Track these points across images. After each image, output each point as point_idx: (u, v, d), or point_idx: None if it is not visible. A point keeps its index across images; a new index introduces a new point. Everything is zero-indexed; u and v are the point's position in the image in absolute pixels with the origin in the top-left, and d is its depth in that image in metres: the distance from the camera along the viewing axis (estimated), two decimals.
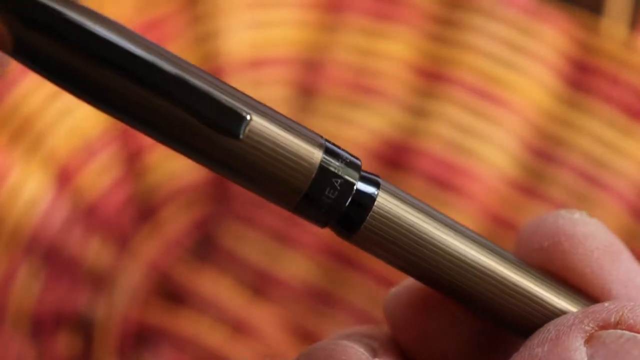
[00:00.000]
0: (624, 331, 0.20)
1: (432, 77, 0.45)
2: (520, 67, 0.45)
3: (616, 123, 0.44)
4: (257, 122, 0.19)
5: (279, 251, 0.43)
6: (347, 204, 0.20)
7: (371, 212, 0.20)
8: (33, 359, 0.40)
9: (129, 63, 0.19)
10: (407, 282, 0.24)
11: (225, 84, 0.20)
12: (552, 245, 0.23)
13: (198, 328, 0.41)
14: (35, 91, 0.42)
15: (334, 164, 0.20)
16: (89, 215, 0.42)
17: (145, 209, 0.43)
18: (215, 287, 0.42)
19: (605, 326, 0.21)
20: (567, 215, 0.23)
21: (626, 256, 0.23)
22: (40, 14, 0.19)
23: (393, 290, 0.24)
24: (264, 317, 0.42)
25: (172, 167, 0.44)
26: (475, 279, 0.21)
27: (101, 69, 0.19)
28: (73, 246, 0.42)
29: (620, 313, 0.21)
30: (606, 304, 0.21)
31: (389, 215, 0.21)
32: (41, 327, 0.41)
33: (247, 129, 0.19)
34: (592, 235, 0.23)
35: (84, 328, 0.41)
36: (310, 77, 0.45)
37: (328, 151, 0.20)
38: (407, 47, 0.46)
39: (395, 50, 0.45)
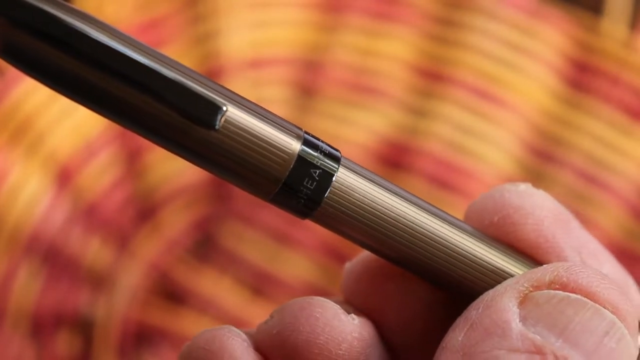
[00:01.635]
0: (557, 291, 0.20)
1: (432, 77, 0.45)
2: (521, 67, 0.45)
3: (616, 123, 0.44)
4: (234, 113, 0.20)
5: (279, 251, 0.43)
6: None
7: (330, 187, 0.21)
8: (33, 359, 0.40)
9: (105, 56, 0.19)
10: (361, 256, 0.24)
11: (200, 75, 0.20)
12: (502, 219, 0.22)
13: (198, 328, 0.41)
14: (35, 91, 0.42)
15: (313, 155, 0.20)
16: (89, 215, 0.42)
17: (145, 209, 0.43)
18: (215, 287, 0.42)
19: (539, 286, 0.20)
20: (512, 189, 0.23)
21: (575, 224, 0.23)
22: (27, 14, 0.19)
23: (348, 264, 0.24)
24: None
25: (172, 167, 0.44)
26: (430, 248, 0.21)
27: (76, 61, 0.19)
28: (73, 246, 0.42)
29: (555, 272, 0.20)
30: (544, 266, 0.21)
31: (348, 190, 0.21)
32: (41, 327, 0.41)
33: (223, 119, 0.20)
34: (540, 205, 0.22)
35: (84, 328, 0.41)
36: (310, 77, 0.45)
37: (307, 142, 0.20)
38: (407, 47, 0.46)
39: (395, 50, 0.45)
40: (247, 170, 0.20)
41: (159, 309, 0.42)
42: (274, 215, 0.43)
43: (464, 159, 0.44)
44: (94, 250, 0.42)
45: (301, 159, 0.20)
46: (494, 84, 0.45)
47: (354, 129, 0.44)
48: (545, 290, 0.20)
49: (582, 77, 0.45)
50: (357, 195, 0.21)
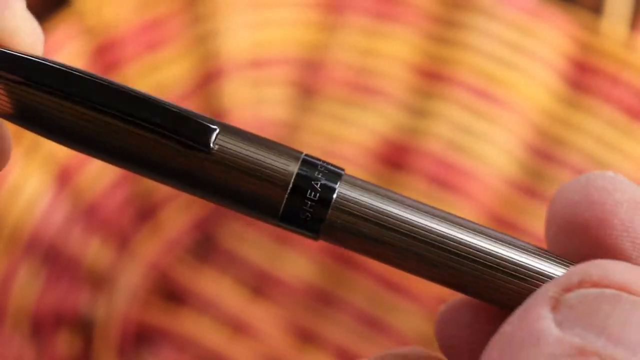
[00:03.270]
0: (590, 289, 0.19)
1: (432, 77, 0.45)
2: (521, 67, 0.45)
3: (616, 123, 0.44)
4: (226, 139, 0.20)
5: (279, 251, 0.43)
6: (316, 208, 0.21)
7: (333, 204, 0.21)
8: (33, 359, 0.40)
9: (94, 95, 0.20)
10: (455, 300, 0.24)
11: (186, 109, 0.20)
12: (583, 197, 0.22)
13: (198, 328, 0.41)
14: None
15: (311, 175, 0.21)
16: (89, 215, 0.42)
17: (145, 209, 0.43)
18: (215, 287, 0.42)
19: (569, 288, 0.19)
20: (598, 173, 0.22)
21: None
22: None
23: (442, 307, 0.24)
24: (264, 317, 0.42)
25: None
26: (453, 256, 0.21)
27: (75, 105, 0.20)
28: (73, 246, 0.42)
29: (584, 271, 0.19)
30: (571, 268, 0.20)
31: (353, 205, 0.21)
32: (41, 326, 0.41)
33: (216, 139, 0.20)
34: (621, 189, 0.22)
35: (84, 328, 0.41)
36: (310, 77, 0.45)
37: (305, 162, 0.21)
38: (407, 47, 0.46)
39: (395, 50, 0.45)
40: (247, 195, 0.20)
41: (159, 309, 0.42)
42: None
43: (464, 159, 0.44)
44: (94, 250, 0.42)
45: (300, 177, 0.20)
46: (494, 83, 0.45)
47: (354, 129, 0.44)
48: (577, 291, 0.19)
49: (582, 77, 0.45)
50: (362, 210, 0.21)
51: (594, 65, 0.45)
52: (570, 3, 0.45)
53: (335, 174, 0.21)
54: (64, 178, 0.42)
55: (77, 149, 0.21)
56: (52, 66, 0.20)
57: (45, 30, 0.44)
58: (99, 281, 0.42)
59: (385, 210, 0.21)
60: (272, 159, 0.21)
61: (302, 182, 0.20)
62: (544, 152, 0.44)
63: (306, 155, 0.21)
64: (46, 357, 0.40)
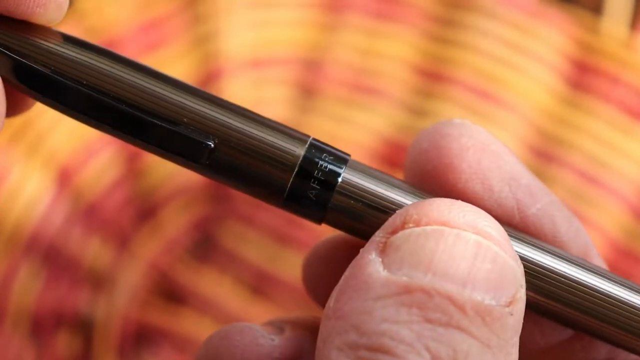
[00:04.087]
0: (413, 228, 0.19)
1: (432, 77, 0.45)
2: (521, 67, 0.45)
3: (616, 123, 0.44)
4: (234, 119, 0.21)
5: (279, 251, 0.43)
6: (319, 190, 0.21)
7: (337, 188, 0.21)
8: (33, 359, 0.40)
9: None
10: (319, 244, 0.24)
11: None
12: (431, 145, 0.22)
13: (198, 328, 0.41)
14: None
15: (318, 158, 0.21)
16: (89, 215, 0.42)
17: (145, 209, 0.43)
18: (215, 287, 0.42)
19: (394, 231, 0.19)
20: (446, 122, 0.22)
21: (512, 159, 0.22)
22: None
23: (307, 254, 0.24)
24: (264, 317, 0.42)
25: (172, 167, 0.44)
26: None
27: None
28: (73, 246, 0.42)
29: (405, 213, 0.19)
30: (396, 212, 0.20)
31: (357, 190, 0.21)
32: (41, 326, 0.41)
33: (208, 154, 0.21)
34: (468, 134, 0.22)
35: (84, 328, 0.41)
36: (310, 77, 0.45)
37: (312, 146, 0.21)
38: (407, 47, 0.46)
39: (395, 50, 0.45)
40: (254, 176, 0.21)
41: (159, 309, 0.42)
42: (274, 215, 0.43)
43: None
44: (94, 250, 0.42)
45: (306, 160, 0.21)
46: (494, 83, 0.45)
47: (354, 129, 0.44)
48: (401, 232, 0.19)
49: (582, 77, 0.45)
50: (367, 195, 0.21)
51: (594, 65, 0.45)
52: (570, 3, 0.45)
53: (341, 159, 0.21)
54: (64, 178, 0.42)
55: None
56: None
57: None
58: (99, 281, 0.42)
59: (389, 197, 0.21)
60: (281, 142, 0.21)
61: (308, 165, 0.21)
62: (544, 152, 0.44)
63: (314, 139, 0.21)
64: (46, 357, 0.40)
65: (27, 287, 0.41)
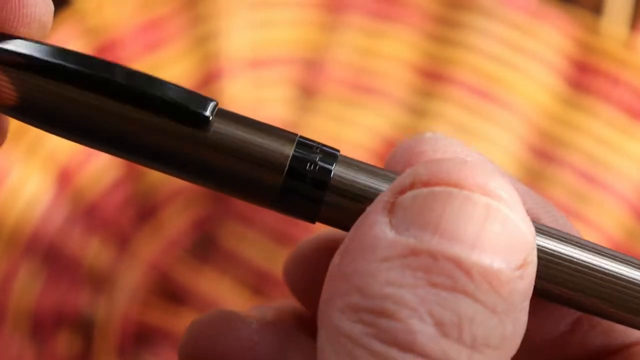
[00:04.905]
0: (422, 189, 0.19)
1: (432, 77, 0.45)
2: (521, 67, 0.45)
3: (616, 123, 0.44)
4: (222, 125, 0.20)
5: (279, 251, 0.43)
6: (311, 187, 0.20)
7: (329, 184, 0.20)
8: (33, 359, 0.40)
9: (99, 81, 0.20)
10: (302, 245, 0.24)
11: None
12: (406, 166, 0.21)
13: None
14: None
15: (307, 156, 0.20)
16: (89, 215, 0.42)
17: (145, 209, 0.43)
18: (215, 287, 0.42)
19: (402, 191, 0.19)
20: (419, 138, 0.22)
21: (490, 168, 0.21)
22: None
23: (290, 254, 0.24)
24: None
25: None
26: None
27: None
28: (73, 246, 0.42)
29: (414, 173, 0.19)
30: (405, 171, 0.20)
31: (349, 185, 0.21)
32: (41, 327, 0.41)
33: (215, 111, 0.20)
34: (442, 150, 0.22)
35: (84, 328, 0.41)
36: (310, 77, 0.45)
37: (300, 144, 0.20)
38: (407, 47, 0.46)
39: (395, 50, 0.45)
40: (244, 175, 0.20)
41: (159, 309, 0.42)
42: (274, 216, 0.43)
43: None
44: (94, 251, 0.42)
45: (295, 159, 0.20)
46: (494, 83, 0.45)
47: (354, 129, 0.44)
48: (410, 192, 0.19)
49: (582, 77, 0.45)
50: (359, 190, 0.21)
51: (594, 65, 0.45)
52: (570, 3, 0.45)
53: (331, 155, 0.21)
54: (64, 178, 0.42)
55: (71, 137, 0.21)
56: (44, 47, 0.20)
57: None
58: (99, 281, 0.42)
59: (382, 189, 0.21)
60: (268, 142, 0.20)
61: (298, 164, 0.20)
62: (544, 152, 0.44)
63: (301, 137, 0.20)
64: (46, 357, 0.40)
65: (27, 287, 0.41)
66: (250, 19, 0.45)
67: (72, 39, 0.43)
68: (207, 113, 0.20)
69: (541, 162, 0.44)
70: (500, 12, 0.45)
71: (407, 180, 0.19)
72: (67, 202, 0.42)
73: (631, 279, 0.20)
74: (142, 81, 0.20)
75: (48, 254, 0.41)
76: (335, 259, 0.19)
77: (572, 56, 0.45)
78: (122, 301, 0.42)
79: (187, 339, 0.23)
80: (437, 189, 0.18)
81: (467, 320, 0.17)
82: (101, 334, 0.41)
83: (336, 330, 0.18)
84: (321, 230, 0.23)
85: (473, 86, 0.44)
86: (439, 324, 0.17)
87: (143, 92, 0.19)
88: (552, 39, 0.45)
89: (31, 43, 0.20)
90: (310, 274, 0.23)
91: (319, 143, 0.21)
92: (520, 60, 0.45)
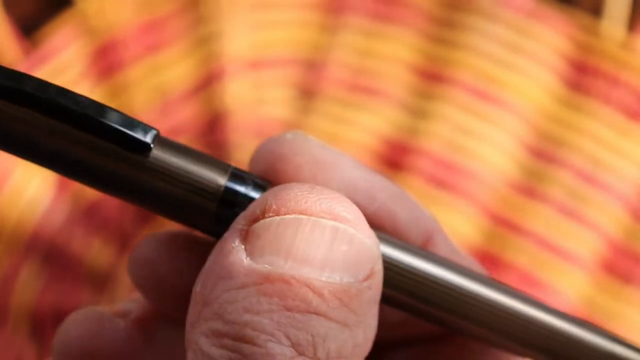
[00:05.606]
0: (273, 217, 0.20)
1: (432, 78, 0.45)
2: (520, 68, 0.45)
3: (615, 124, 0.44)
4: (160, 151, 0.21)
5: None
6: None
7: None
8: (33, 359, 0.40)
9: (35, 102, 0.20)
10: (143, 243, 0.25)
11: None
12: (268, 168, 0.23)
13: None
14: None
15: (239, 188, 0.21)
16: (90, 215, 0.42)
17: (145, 210, 0.43)
18: None
19: (255, 219, 0.20)
20: (279, 139, 0.23)
21: (348, 165, 0.23)
22: None
23: (131, 253, 0.25)
24: None
25: None
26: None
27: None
28: (73, 246, 0.42)
29: (264, 201, 0.20)
30: (256, 199, 0.21)
31: None
32: (42, 327, 0.41)
33: (155, 140, 0.21)
34: (300, 152, 0.23)
35: None
36: (311, 78, 0.45)
37: (234, 176, 0.21)
38: (407, 48, 0.46)
39: (395, 51, 0.45)
40: (179, 202, 0.22)
41: None
42: None
43: (463, 159, 0.44)
44: (94, 250, 0.42)
45: (228, 191, 0.21)
46: (494, 84, 0.45)
47: (354, 130, 0.44)
48: (262, 220, 0.20)
49: (581, 78, 0.45)
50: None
51: (592, 66, 0.45)
52: (569, 4, 0.45)
53: (262, 187, 0.22)
54: (64, 178, 0.42)
55: (13, 152, 0.22)
56: None
57: (47, 31, 0.45)
58: (99, 281, 0.42)
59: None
60: (203, 171, 0.21)
61: (230, 195, 0.21)
62: (544, 153, 0.44)
63: (234, 168, 0.22)
64: (46, 357, 0.40)
65: (28, 288, 0.41)
66: (250, 20, 0.45)
67: (73, 40, 0.43)
68: (148, 140, 0.21)
69: (541, 163, 0.44)
70: (499, 13, 0.45)
71: (259, 208, 0.20)
72: (67, 202, 0.42)
73: (460, 287, 0.22)
74: (91, 108, 0.21)
75: (49, 254, 0.41)
76: (198, 283, 0.20)
77: (571, 57, 0.45)
78: (123, 300, 0.42)
79: (58, 340, 0.25)
80: (286, 217, 0.20)
81: (320, 338, 0.19)
82: None
83: (202, 353, 0.19)
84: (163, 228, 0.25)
85: (472, 87, 0.45)
86: (295, 345, 0.19)
87: (90, 116, 0.20)
88: (551, 40, 0.45)
89: None
90: (153, 273, 0.25)
91: (251, 174, 0.22)
92: (519, 61, 0.45)
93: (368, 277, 0.20)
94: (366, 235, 0.20)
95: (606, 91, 0.45)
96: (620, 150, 0.44)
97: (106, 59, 0.44)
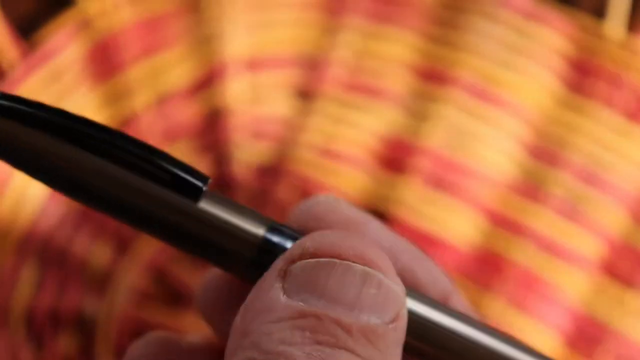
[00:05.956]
0: (309, 259, 0.22)
1: (432, 79, 0.45)
2: (521, 68, 0.45)
3: (616, 124, 0.44)
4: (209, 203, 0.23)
5: None
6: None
7: None
8: (33, 359, 0.40)
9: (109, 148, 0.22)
10: (211, 274, 0.28)
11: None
12: (302, 226, 0.25)
13: (198, 328, 0.41)
14: (37, 92, 0.42)
15: (276, 239, 0.24)
16: (89, 215, 0.42)
17: None
18: None
19: (293, 261, 0.22)
20: (312, 200, 0.26)
21: (374, 225, 0.26)
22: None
23: (201, 284, 0.28)
24: None
25: None
26: None
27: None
28: (73, 246, 0.42)
29: (303, 245, 0.23)
30: (296, 242, 0.23)
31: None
32: (41, 327, 0.41)
33: (206, 188, 0.23)
34: (333, 211, 0.25)
35: (84, 328, 0.41)
36: (310, 78, 0.45)
37: (272, 229, 0.24)
38: (407, 48, 0.46)
39: (395, 51, 0.45)
40: (220, 248, 0.23)
41: (159, 309, 0.42)
42: (272, 215, 0.43)
43: (463, 159, 0.44)
44: (94, 251, 0.42)
45: (266, 241, 0.23)
46: (494, 85, 0.45)
47: (354, 130, 0.44)
48: (299, 262, 0.22)
49: (582, 78, 0.45)
50: None
51: (593, 67, 0.45)
52: (569, 5, 0.45)
53: (297, 239, 0.24)
54: None
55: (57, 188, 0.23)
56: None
57: (47, 31, 0.45)
58: (98, 281, 0.42)
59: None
60: (244, 222, 0.23)
61: (269, 246, 0.24)
62: (544, 153, 0.44)
63: (274, 222, 0.24)
64: (46, 357, 0.40)
65: (27, 288, 0.41)
66: (250, 20, 0.45)
67: (73, 40, 0.43)
68: (201, 185, 0.23)
69: (541, 163, 0.44)
70: (500, 13, 0.45)
71: (297, 251, 0.23)
72: (67, 202, 0.42)
73: (481, 342, 0.24)
74: (147, 150, 0.22)
75: (48, 254, 0.41)
76: (238, 316, 0.22)
77: (572, 58, 0.45)
78: (121, 301, 0.42)
79: (127, 356, 0.27)
80: (322, 260, 0.22)
81: None
82: (101, 333, 0.41)
83: None
84: None
85: (473, 87, 0.45)
86: None
87: (150, 160, 0.22)
88: (552, 40, 0.45)
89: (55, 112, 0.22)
90: (220, 305, 0.28)
91: (289, 227, 0.24)
92: (520, 61, 0.45)
93: (394, 320, 0.22)
94: (394, 282, 0.22)
95: (607, 92, 0.45)
96: (621, 151, 0.44)
97: (106, 60, 0.44)
